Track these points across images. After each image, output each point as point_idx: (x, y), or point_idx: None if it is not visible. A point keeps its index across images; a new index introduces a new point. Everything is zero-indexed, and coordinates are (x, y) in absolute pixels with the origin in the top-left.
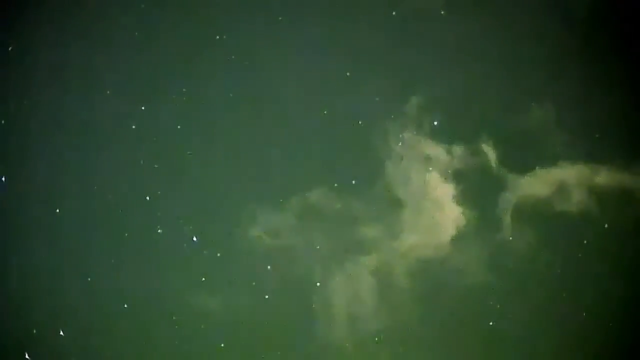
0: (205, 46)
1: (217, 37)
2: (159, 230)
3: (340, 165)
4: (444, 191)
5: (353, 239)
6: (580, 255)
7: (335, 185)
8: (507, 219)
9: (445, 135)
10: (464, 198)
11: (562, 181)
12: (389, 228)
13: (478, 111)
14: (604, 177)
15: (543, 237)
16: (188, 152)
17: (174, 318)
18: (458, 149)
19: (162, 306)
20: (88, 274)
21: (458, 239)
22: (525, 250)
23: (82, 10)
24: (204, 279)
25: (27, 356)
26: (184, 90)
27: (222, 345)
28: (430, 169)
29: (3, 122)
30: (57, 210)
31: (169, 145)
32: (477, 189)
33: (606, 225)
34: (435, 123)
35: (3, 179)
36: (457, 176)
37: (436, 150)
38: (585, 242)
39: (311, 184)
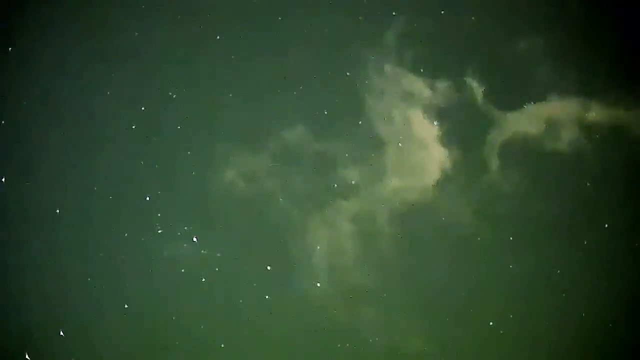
0: (205, 46)
1: (217, 37)
2: (159, 231)
3: (317, 102)
4: (427, 130)
5: (332, 182)
6: (580, 255)
7: (313, 123)
8: (495, 160)
9: (428, 69)
10: (449, 137)
11: (552, 118)
12: (370, 170)
13: (463, 43)
14: (597, 112)
15: (533, 179)
16: (188, 152)
17: (174, 318)
18: (442, 84)
19: (162, 306)
20: (88, 274)
21: (443, 182)
22: (515, 193)
23: (82, 10)
24: (203, 279)
25: (27, 356)
26: (184, 90)
27: (222, 345)
28: (413, 106)
29: (3, 122)
30: (57, 211)
31: (169, 145)
32: (462, 127)
33: (606, 226)
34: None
35: (3, 179)
36: (441, 114)
37: (419, 86)
38: (585, 242)
39: (287, 122)
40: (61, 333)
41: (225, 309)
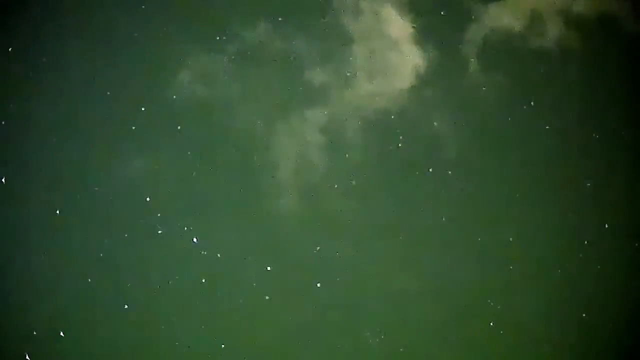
0: (205, 46)
1: (217, 37)
2: (159, 231)
3: None
4: (400, 27)
5: (298, 86)
6: (581, 255)
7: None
8: (475, 60)
9: None
10: (424, 35)
11: (536, 10)
12: (338, 74)
13: None
14: (584, 2)
15: (516, 80)
16: (188, 152)
17: (174, 319)
18: None
19: (162, 306)
20: (88, 274)
21: (419, 85)
22: (496, 97)
23: (82, 10)
24: (204, 279)
25: (27, 357)
26: (184, 90)
27: (223, 346)
28: None
29: (3, 122)
30: (57, 211)
31: (169, 145)
32: (438, 22)
33: (606, 226)
34: None
35: (3, 179)
36: (415, 7)
37: None
38: (585, 242)
39: (246, 19)
40: (61, 333)
41: (225, 309)
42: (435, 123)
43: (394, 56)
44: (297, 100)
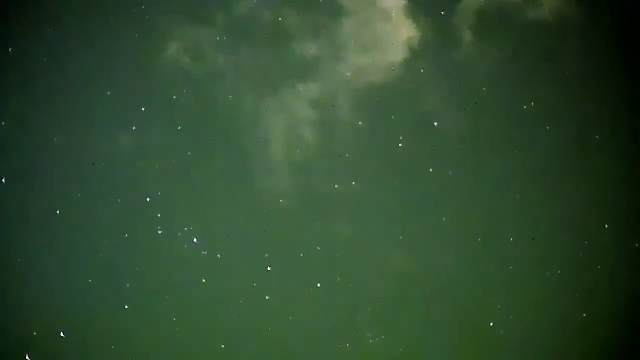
0: (206, 47)
1: (217, 38)
2: (159, 232)
3: None
4: None
5: (288, 59)
6: (581, 255)
7: None
8: (468, 32)
9: None
10: (417, 6)
11: None
12: (329, 46)
13: None
14: None
15: (511, 53)
16: (188, 152)
17: (174, 319)
18: None
19: (162, 306)
20: (88, 274)
21: (411, 58)
22: (491, 70)
23: (82, 10)
24: (204, 279)
25: (27, 357)
26: (184, 90)
27: (223, 346)
28: None
29: (3, 123)
30: (57, 211)
31: (169, 145)
32: None
33: (606, 226)
34: None
35: (3, 179)
36: None
37: None
38: (585, 242)
39: None
40: (61, 334)
41: (225, 309)
42: (426, 97)
43: (386, 28)
44: (287, 73)
